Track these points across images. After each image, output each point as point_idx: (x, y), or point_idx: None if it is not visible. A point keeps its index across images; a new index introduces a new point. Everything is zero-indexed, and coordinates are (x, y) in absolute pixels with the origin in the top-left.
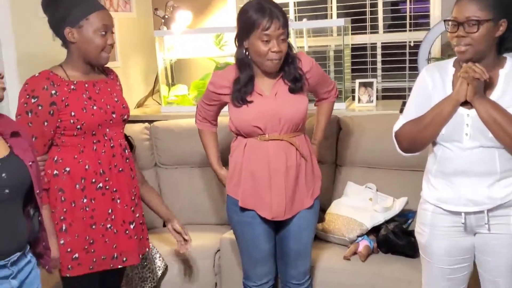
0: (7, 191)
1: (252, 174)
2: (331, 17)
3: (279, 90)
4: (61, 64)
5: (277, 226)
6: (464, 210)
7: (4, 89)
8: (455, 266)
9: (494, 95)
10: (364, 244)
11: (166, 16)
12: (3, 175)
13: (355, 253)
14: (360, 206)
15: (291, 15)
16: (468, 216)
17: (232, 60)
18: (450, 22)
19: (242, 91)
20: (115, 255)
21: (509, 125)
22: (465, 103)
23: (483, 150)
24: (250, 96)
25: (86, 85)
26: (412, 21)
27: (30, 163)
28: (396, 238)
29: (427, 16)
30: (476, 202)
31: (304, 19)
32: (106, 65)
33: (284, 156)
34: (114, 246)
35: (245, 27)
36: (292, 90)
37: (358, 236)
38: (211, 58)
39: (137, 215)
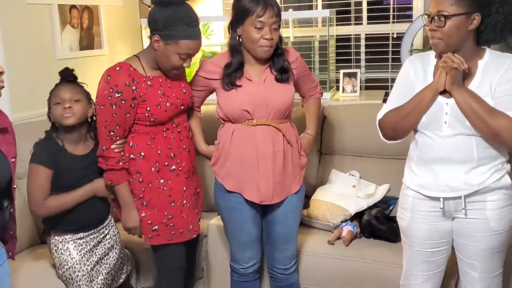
0: None
1: (240, 158)
2: (316, 8)
3: (267, 77)
4: (139, 56)
5: (264, 211)
6: (443, 195)
7: (2, 87)
8: (434, 249)
9: (473, 85)
10: (347, 229)
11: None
12: None
13: (339, 238)
14: (344, 193)
15: None
16: (446, 202)
17: (219, 49)
18: (426, 16)
19: (232, 76)
20: (191, 227)
21: (485, 113)
22: (445, 92)
23: (461, 138)
24: (239, 80)
25: (160, 80)
26: (395, 13)
27: (13, 159)
28: (378, 224)
29: (410, 9)
30: (454, 188)
31: (290, 10)
32: None
33: (271, 141)
34: (189, 220)
35: (240, 13)
36: (278, 80)
37: (342, 222)
38: None
39: (198, 190)
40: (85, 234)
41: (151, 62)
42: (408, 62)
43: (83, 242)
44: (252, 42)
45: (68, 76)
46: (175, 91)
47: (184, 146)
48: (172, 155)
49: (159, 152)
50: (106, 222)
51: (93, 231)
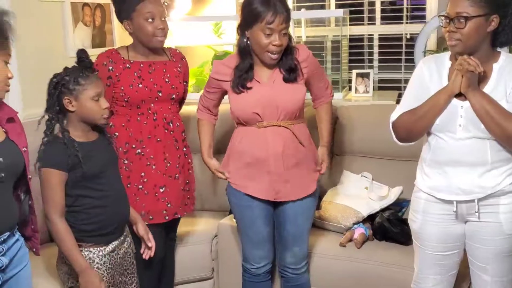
0: (2, 174)
1: (252, 158)
2: (329, 8)
3: (276, 78)
4: (128, 45)
5: (275, 211)
6: (456, 198)
7: (8, 90)
8: (446, 252)
9: (488, 88)
10: (359, 231)
11: (166, 3)
12: (0, 159)
13: (350, 240)
14: (356, 195)
15: (290, 5)
16: (459, 205)
17: (231, 49)
18: (443, 18)
19: (242, 78)
20: (143, 213)
21: (500, 117)
22: (460, 95)
23: (476, 141)
24: (250, 83)
25: (141, 65)
26: (409, 14)
27: (24, 148)
28: (391, 226)
29: (424, 9)
30: (467, 191)
31: (303, 9)
32: (174, 48)
33: (282, 141)
34: (143, 205)
35: (249, 18)
36: (285, 80)
37: (353, 224)
38: (210, 46)
39: (180, 181)
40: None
41: (137, 49)
42: (422, 63)
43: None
44: (260, 47)
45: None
46: (155, 77)
47: (155, 135)
48: (141, 139)
49: (130, 134)
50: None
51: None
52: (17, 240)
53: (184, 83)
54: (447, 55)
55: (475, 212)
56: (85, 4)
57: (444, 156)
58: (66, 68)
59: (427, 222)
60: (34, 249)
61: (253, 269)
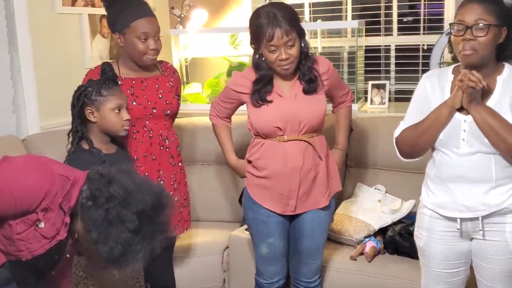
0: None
1: (270, 172)
2: (346, 19)
3: (297, 91)
4: (118, 60)
5: (291, 224)
6: (460, 216)
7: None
8: (452, 270)
9: (491, 102)
10: (370, 245)
11: (182, 15)
12: None
13: (361, 253)
14: (368, 207)
15: (306, 16)
16: (463, 222)
17: (246, 60)
18: (455, 25)
19: (262, 92)
20: None
21: (504, 131)
22: (463, 109)
23: (480, 156)
24: (269, 95)
25: (133, 82)
26: (426, 24)
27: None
28: (402, 240)
29: (442, 20)
30: (471, 209)
31: (319, 20)
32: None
33: (302, 155)
34: None
35: (254, 35)
36: (306, 91)
37: (365, 237)
38: (226, 58)
39: (176, 198)
40: None
41: (128, 63)
42: (424, 77)
43: None
44: (271, 63)
45: (109, 71)
46: (148, 94)
47: (151, 152)
48: (136, 158)
49: None
50: None
51: None
52: None
53: (177, 97)
54: (450, 68)
55: (480, 230)
56: (103, 16)
57: (448, 172)
58: (90, 80)
59: (432, 239)
60: None
61: (267, 284)
